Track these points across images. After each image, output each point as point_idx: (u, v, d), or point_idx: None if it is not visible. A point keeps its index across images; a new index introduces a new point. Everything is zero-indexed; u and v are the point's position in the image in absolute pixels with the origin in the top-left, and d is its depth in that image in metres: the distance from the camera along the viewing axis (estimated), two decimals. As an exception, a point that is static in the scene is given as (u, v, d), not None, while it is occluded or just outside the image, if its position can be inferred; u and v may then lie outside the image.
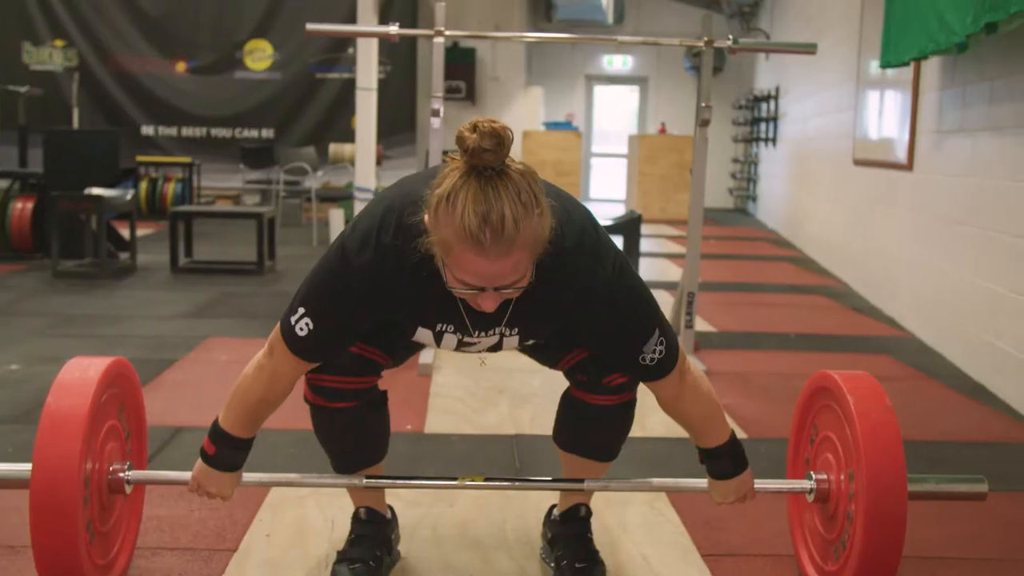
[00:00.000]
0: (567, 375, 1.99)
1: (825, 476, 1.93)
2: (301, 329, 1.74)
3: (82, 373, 1.81)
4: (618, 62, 15.16)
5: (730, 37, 4.12)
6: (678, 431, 3.27)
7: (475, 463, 2.91)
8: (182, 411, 3.31)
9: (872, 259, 6.20)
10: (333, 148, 10.74)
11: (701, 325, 4.93)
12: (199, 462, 1.92)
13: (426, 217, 1.56)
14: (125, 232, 6.64)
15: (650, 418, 3.39)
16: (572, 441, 2.06)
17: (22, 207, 6.81)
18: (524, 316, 1.77)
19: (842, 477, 1.87)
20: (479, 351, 1.90)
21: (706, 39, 4.10)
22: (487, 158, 1.48)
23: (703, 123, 4.09)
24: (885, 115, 6.06)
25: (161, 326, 4.74)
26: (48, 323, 4.71)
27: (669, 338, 1.81)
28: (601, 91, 15.36)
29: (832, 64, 7.77)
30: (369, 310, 1.75)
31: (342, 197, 8.69)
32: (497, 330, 1.81)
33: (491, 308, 1.59)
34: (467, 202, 1.47)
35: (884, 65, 5.14)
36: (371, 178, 7.47)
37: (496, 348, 1.89)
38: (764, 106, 11.91)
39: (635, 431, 3.19)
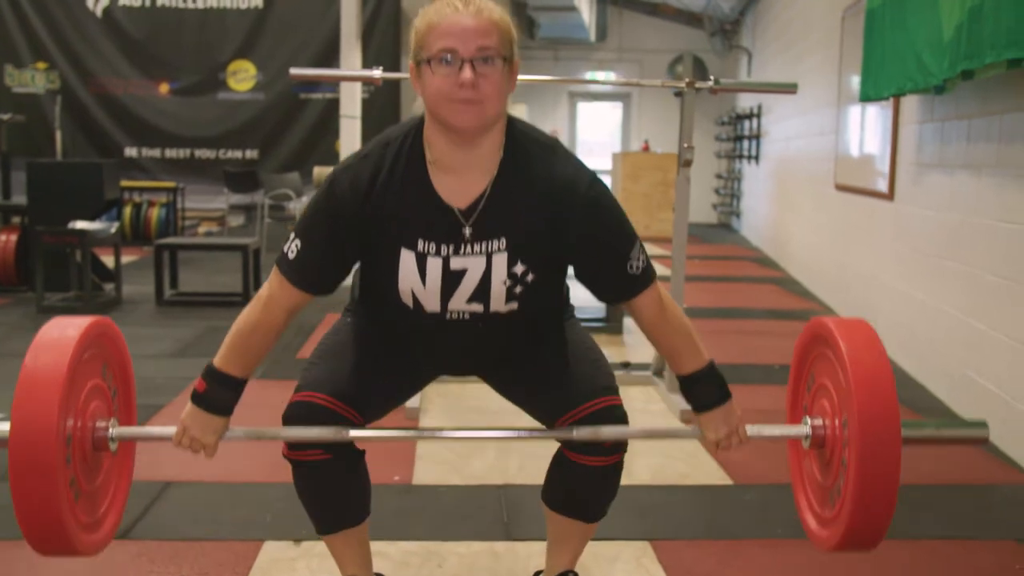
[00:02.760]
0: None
1: (821, 422, 1.93)
2: (291, 252, 1.86)
3: (61, 332, 1.78)
4: (601, 78, 15.23)
5: (711, 78, 4.14)
6: (665, 477, 3.31)
7: (463, 517, 2.92)
8: (170, 464, 3.31)
9: (854, 285, 6.25)
10: (317, 171, 10.70)
11: (686, 357, 4.95)
12: (188, 406, 1.93)
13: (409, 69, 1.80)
14: (110, 259, 6.61)
15: (636, 463, 3.42)
16: (561, 501, 2.08)
17: (6, 240, 6.79)
18: (509, 215, 1.82)
19: (837, 423, 1.87)
20: (468, 295, 1.86)
21: (687, 80, 4.14)
22: None
23: (685, 164, 4.13)
24: (866, 143, 6.12)
25: (146, 367, 4.74)
26: (34, 364, 4.70)
27: (644, 250, 1.90)
28: (584, 107, 15.42)
29: (814, 84, 7.83)
30: (352, 220, 1.82)
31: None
32: (484, 246, 1.82)
33: (470, 81, 1.68)
34: None
35: (863, 99, 5.19)
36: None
37: (486, 284, 1.85)
38: (747, 123, 11.98)
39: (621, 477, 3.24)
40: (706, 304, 6.82)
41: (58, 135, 10.92)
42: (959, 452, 3.67)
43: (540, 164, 1.83)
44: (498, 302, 1.86)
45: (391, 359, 2.03)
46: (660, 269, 7.79)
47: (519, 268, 1.84)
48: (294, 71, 3.92)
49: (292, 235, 1.88)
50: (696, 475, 3.32)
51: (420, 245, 1.81)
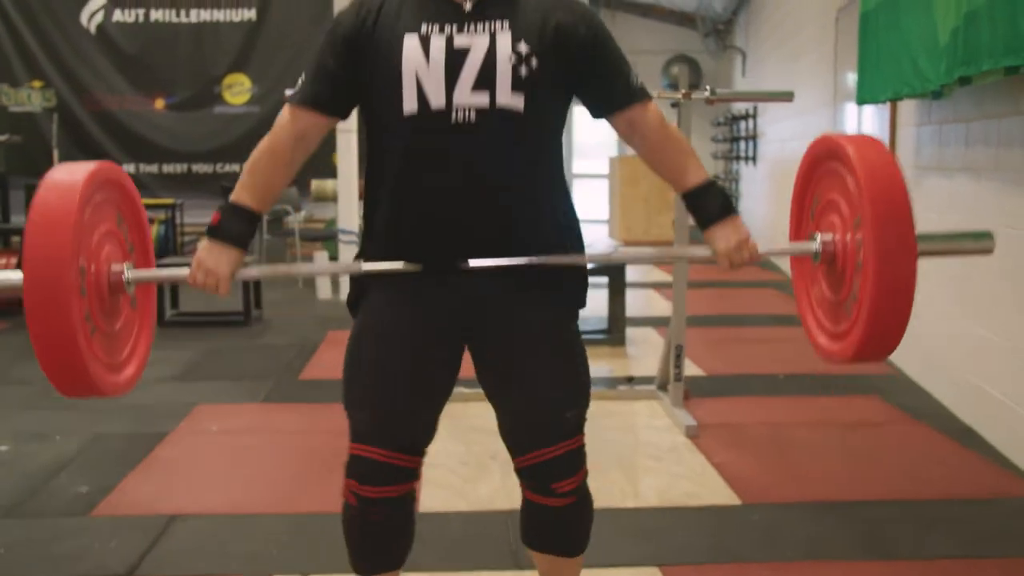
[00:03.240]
0: (519, 475, 2.01)
1: (831, 237, 1.92)
2: (299, 82, 1.90)
3: (68, 173, 1.79)
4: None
5: (707, 88, 4.14)
6: (671, 498, 3.30)
7: (470, 546, 2.91)
8: (177, 496, 3.30)
9: (856, 288, 6.22)
10: (315, 184, 10.73)
11: (690, 368, 4.93)
12: (204, 241, 1.92)
13: None
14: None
15: (642, 483, 3.40)
16: (539, 541, 2.08)
17: (5, 263, 6.78)
18: (512, 5, 1.84)
19: (848, 236, 1.86)
20: (474, 79, 1.80)
21: (684, 91, 4.12)
22: None
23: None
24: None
25: (149, 392, 4.72)
26: (35, 392, 4.69)
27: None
28: (580, 109, 15.34)
29: (809, 84, 7.82)
30: (355, 34, 1.84)
31: (326, 237, 8.69)
32: (487, 25, 1.81)
33: None
34: None
35: (860, 102, 5.17)
36: (354, 219, 7.49)
37: (491, 62, 1.80)
38: (743, 124, 11.95)
39: (627, 500, 3.23)
40: (707, 311, 6.80)
41: (55, 153, 10.90)
42: (967, 463, 3.65)
43: None
44: (504, 88, 1.80)
45: (416, 354, 1.93)
46: (661, 275, 7.69)
47: (523, 48, 1.81)
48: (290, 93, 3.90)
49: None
50: (703, 494, 3.30)
51: (423, 28, 1.81)
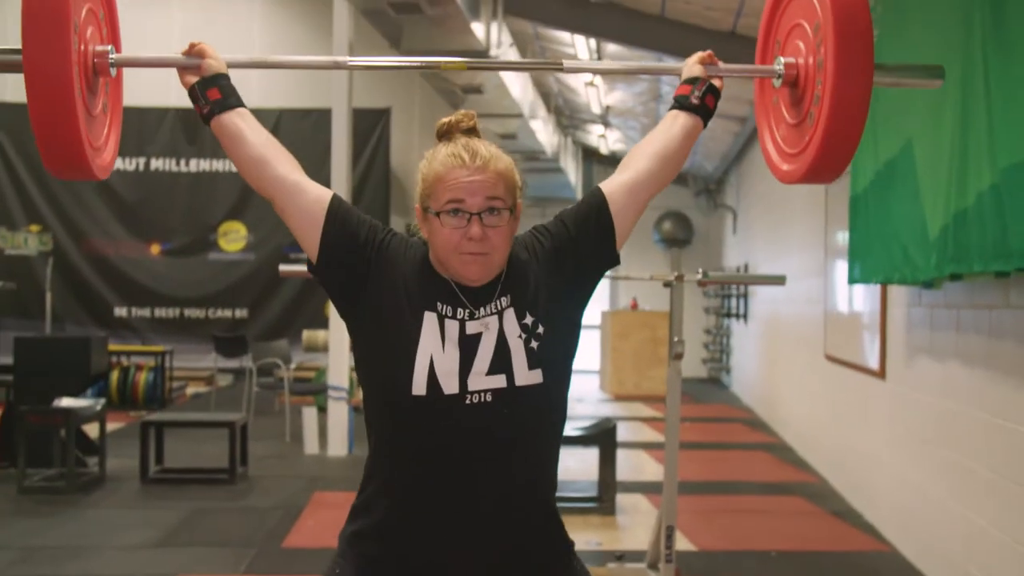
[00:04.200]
0: None
1: (794, 60, 1.95)
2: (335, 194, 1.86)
3: None
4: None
5: (700, 271, 4.17)
6: None
7: None
8: None
9: (849, 459, 6.18)
10: (307, 335, 10.74)
11: (681, 543, 4.86)
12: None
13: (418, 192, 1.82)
14: (95, 427, 6.47)
15: None
16: None
17: (-11, 410, 6.70)
18: (511, 277, 1.81)
19: (811, 60, 1.88)
20: (488, 364, 1.74)
21: (676, 274, 4.16)
22: (462, 127, 1.82)
23: (676, 357, 4.11)
24: (855, 318, 6.14)
25: (129, 560, 4.61)
26: (10, 559, 4.57)
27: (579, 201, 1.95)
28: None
29: (799, 246, 7.92)
30: (400, 251, 1.83)
31: (316, 391, 8.65)
32: (493, 306, 1.78)
33: (479, 235, 1.72)
34: (449, 144, 1.80)
35: (851, 282, 5.23)
36: (344, 375, 7.46)
37: (504, 345, 1.75)
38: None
39: None
40: (697, 476, 6.73)
41: (48, 297, 10.93)
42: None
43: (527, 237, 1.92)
44: (521, 368, 1.75)
45: None
46: (653, 435, 7.62)
47: (528, 319, 1.79)
48: (283, 268, 3.93)
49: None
50: None
51: (439, 307, 1.78)
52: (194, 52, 1.87)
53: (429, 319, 1.76)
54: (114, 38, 2.03)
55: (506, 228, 1.76)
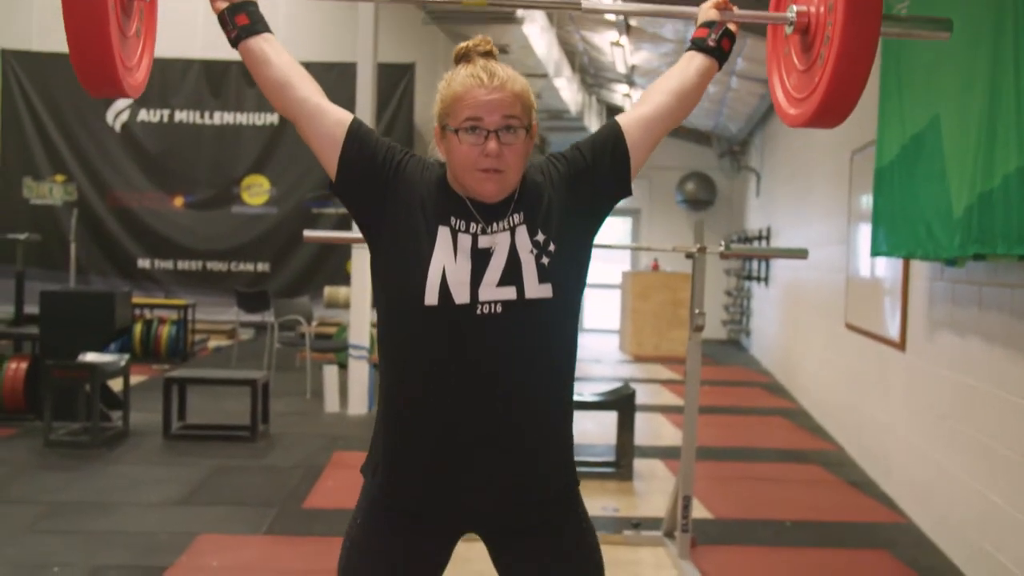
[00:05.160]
0: None
1: (806, 8, 2.01)
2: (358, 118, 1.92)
3: None
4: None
5: (721, 243, 4.17)
6: None
7: None
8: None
9: (867, 429, 6.19)
10: (328, 291, 10.79)
11: (698, 510, 4.89)
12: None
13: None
14: (119, 381, 6.54)
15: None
16: None
17: (16, 368, 6.79)
18: (524, 196, 1.88)
19: (822, 8, 1.95)
20: (499, 275, 1.81)
21: (699, 246, 4.16)
22: (479, 51, 1.87)
23: (696, 329, 4.13)
24: (877, 288, 6.12)
25: (151, 517, 4.69)
26: (36, 514, 4.66)
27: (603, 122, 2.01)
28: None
29: (822, 211, 7.87)
30: (404, 166, 1.89)
31: (337, 349, 8.70)
32: (506, 222, 1.84)
33: (495, 152, 1.78)
34: (468, 65, 1.85)
35: (874, 255, 5.20)
36: (365, 334, 7.51)
37: (515, 258, 1.83)
38: (756, 244, 12.02)
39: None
40: (715, 442, 6.76)
41: (72, 247, 11.03)
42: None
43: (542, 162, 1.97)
44: (531, 281, 1.81)
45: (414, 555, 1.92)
46: (672, 398, 7.63)
47: (540, 236, 1.85)
48: (308, 233, 3.95)
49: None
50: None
51: (453, 221, 1.85)
52: None
53: (443, 233, 1.83)
54: None
55: (521, 146, 1.83)
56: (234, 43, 1.90)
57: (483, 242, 1.83)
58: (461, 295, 1.79)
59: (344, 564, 1.95)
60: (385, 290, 1.88)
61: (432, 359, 1.82)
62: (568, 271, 1.87)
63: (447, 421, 1.82)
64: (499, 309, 1.80)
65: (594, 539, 1.97)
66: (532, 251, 1.83)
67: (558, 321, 1.87)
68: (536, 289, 1.81)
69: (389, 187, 1.87)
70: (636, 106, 2.00)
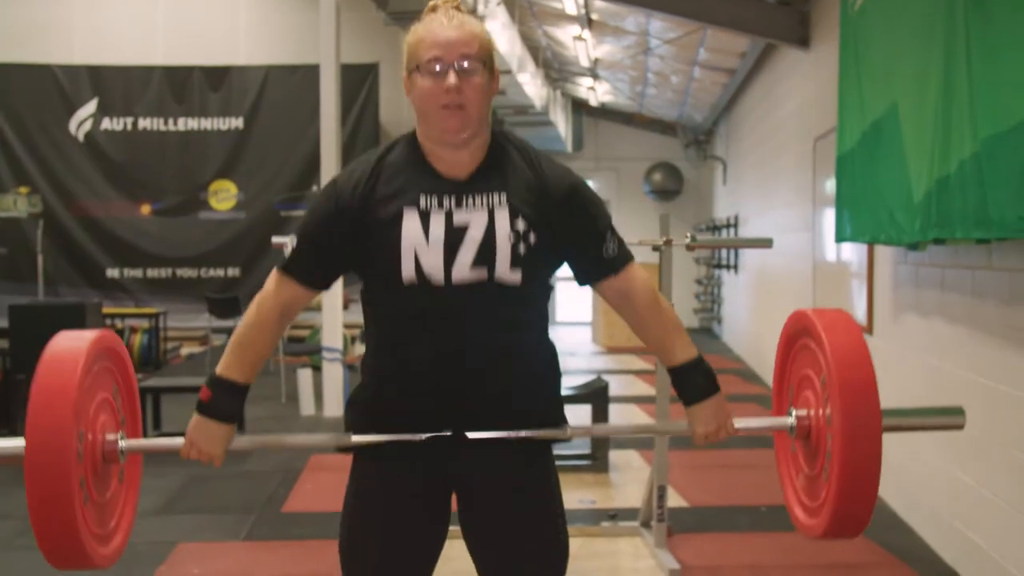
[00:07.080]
0: None
1: (805, 412, 1.96)
2: (287, 250, 1.96)
3: (70, 344, 1.83)
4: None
5: (688, 235, 4.22)
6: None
7: None
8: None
9: (838, 413, 6.25)
10: (299, 293, 10.75)
11: (673, 499, 4.94)
12: (194, 417, 1.95)
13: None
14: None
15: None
16: None
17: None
18: (504, 176, 1.92)
19: (821, 413, 1.89)
20: (473, 256, 1.87)
21: (665, 239, 4.20)
22: (448, 5, 1.94)
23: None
24: (843, 272, 6.19)
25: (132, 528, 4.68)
26: (16, 529, 4.64)
27: (617, 237, 2.00)
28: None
29: (787, 200, 7.94)
30: (349, 207, 1.90)
31: (310, 352, 8.70)
32: (485, 199, 1.88)
33: (454, 86, 1.84)
34: (433, 14, 1.94)
35: (839, 240, 5.27)
36: (338, 337, 7.52)
37: (491, 240, 1.87)
38: (724, 233, 12.12)
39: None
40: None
41: (40, 260, 10.96)
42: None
43: (528, 151, 1.98)
44: (504, 265, 1.87)
45: (414, 545, 2.00)
46: (645, 388, 7.69)
47: (521, 225, 1.88)
48: (277, 239, 3.96)
49: (291, 236, 1.98)
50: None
51: (423, 201, 1.88)
52: (201, 459, 1.99)
53: (410, 216, 1.87)
54: (133, 419, 2.09)
55: (481, 82, 1.89)
56: (245, 390, 1.98)
57: (458, 219, 1.87)
58: (435, 274, 1.86)
59: (346, 535, 2.02)
60: (365, 275, 1.97)
61: (415, 308, 1.90)
62: (541, 263, 1.93)
63: (430, 347, 1.90)
64: (471, 288, 1.88)
65: (559, 505, 2.05)
66: (510, 238, 1.87)
67: (526, 300, 1.95)
68: (507, 274, 1.87)
69: (353, 226, 1.90)
70: (625, 294, 2.02)
